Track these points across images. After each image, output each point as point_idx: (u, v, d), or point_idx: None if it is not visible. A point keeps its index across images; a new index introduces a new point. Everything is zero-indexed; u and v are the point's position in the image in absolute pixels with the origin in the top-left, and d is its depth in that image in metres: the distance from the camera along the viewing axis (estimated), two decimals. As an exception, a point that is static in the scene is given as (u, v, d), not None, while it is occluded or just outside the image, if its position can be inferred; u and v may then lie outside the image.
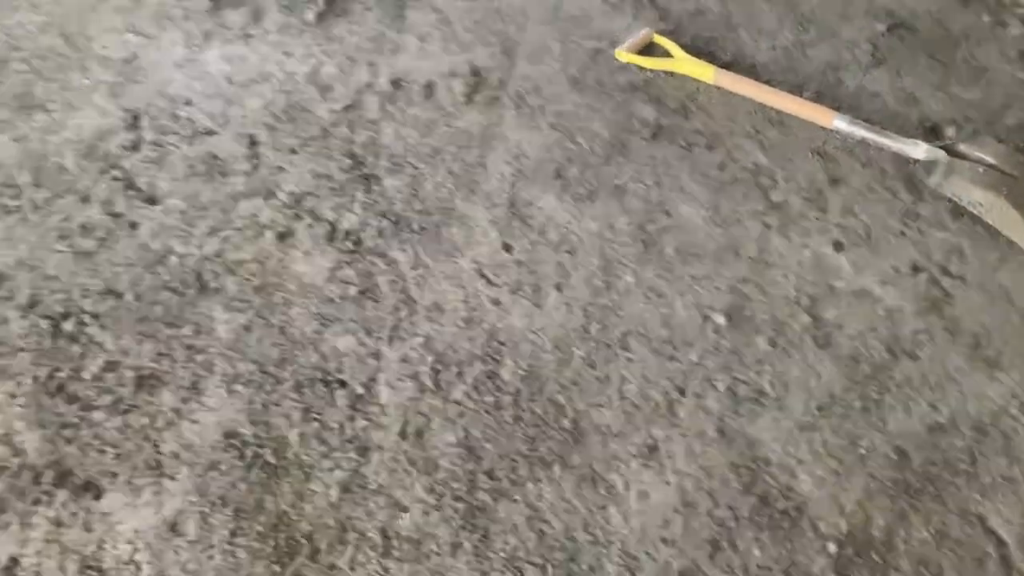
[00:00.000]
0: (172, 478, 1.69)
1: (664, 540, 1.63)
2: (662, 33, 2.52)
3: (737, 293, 1.96)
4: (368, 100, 2.38)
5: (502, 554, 1.61)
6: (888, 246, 2.05)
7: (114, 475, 1.69)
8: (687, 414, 1.78)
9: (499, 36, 2.56)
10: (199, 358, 1.84)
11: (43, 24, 2.63)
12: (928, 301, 1.96)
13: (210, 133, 2.30)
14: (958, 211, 2.11)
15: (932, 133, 2.28)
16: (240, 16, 2.65)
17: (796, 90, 2.35)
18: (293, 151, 2.25)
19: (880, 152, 2.22)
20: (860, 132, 2.18)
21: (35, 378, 1.80)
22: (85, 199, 2.14)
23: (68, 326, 1.89)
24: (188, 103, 2.38)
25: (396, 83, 2.43)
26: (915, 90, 2.38)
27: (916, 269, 2.02)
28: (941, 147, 2.15)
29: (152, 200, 2.14)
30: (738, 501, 1.67)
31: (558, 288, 1.95)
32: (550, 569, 1.59)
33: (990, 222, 2.06)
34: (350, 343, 1.87)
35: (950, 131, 2.27)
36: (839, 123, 2.19)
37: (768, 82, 2.35)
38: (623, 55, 2.44)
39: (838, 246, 2.05)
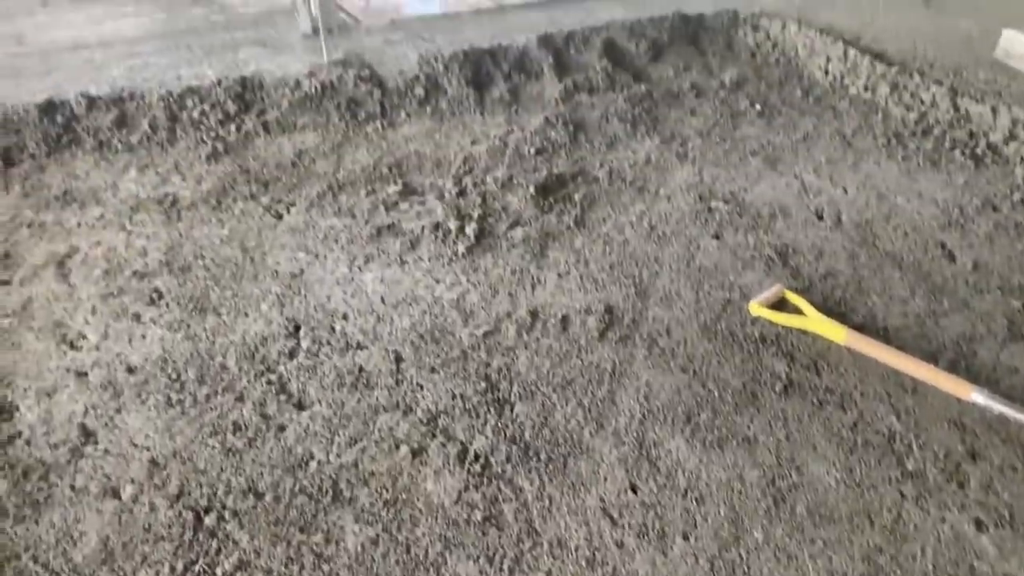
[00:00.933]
0: None
1: None
2: (793, 290, 2.61)
3: (872, 564, 1.88)
4: (507, 328, 2.53)
5: None
6: (1035, 530, 1.95)
7: None
8: None
9: (633, 279, 2.71)
10: (326, 567, 1.88)
11: (226, 237, 2.97)
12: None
13: (360, 347, 2.47)
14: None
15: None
16: (398, 243, 2.91)
17: (930, 358, 2.36)
18: (433, 370, 2.39)
19: (1021, 429, 2.17)
20: (999, 407, 2.15)
21: (172, 568, 1.87)
22: (240, 399, 2.30)
23: (209, 520, 1.98)
24: (344, 317, 2.59)
25: (534, 314, 2.58)
26: (1056, 368, 2.35)
27: (1068, 559, 1.90)
28: (1089, 430, 2.09)
29: (301, 405, 2.28)
30: None
31: (684, 536, 1.93)
32: None
33: None
34: (471, 570, 1.88)
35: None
36: (977, 397, 2.17)
37: (901, 348, 2.38)
38: (756, 309, 2.53)
39: (979, 525, 1.97)
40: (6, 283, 2.77)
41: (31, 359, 2.46)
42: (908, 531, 1.95)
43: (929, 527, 1.96)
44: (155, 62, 4.00)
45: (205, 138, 3.51)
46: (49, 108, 3.53)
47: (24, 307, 2.66)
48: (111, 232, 3.00)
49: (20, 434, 2.21)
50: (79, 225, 3.04)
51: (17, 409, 2.29)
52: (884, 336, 2.45)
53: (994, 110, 3.41)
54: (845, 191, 3.14)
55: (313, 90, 3.69)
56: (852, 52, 3.87)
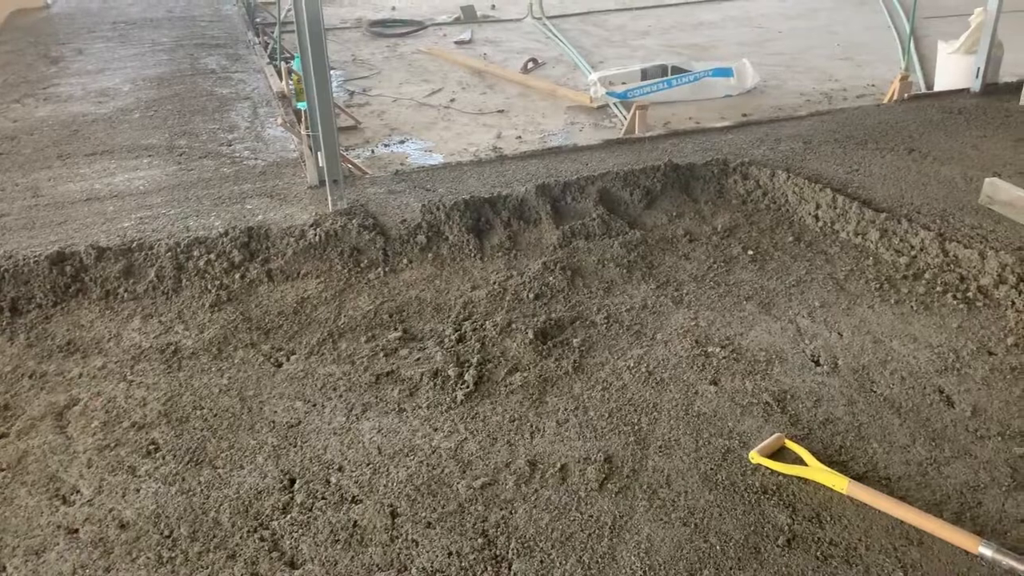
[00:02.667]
0: None
1: None
2: (792, 439, 2.60)
3: None
4: (505, 479, 2.50)
5: None
6: None
7: None
8: None
9: (632, 427, 2.71)
10: None
11: (225, 387, 2.98)
12: None
13: (356, 501, 2.44)
14: None
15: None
16: (397, 391, 2.93)
17: (934, 508, 2.32)
18: (430, 525, 2.34)
19: (1035, 584, 2.10)
20: (1008, 562, 2.10)
21: None
22: (232, 556, 2.26)
23: None
24: (340, 469, 2.57)
25: (533, 464, 2.55)
26: (1065, 518, 2.31)
27: None
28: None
29: (293, 564, 2.23)
30: None
31: None
32: None
33: None
34: None
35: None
36: (985, 551, 2.12)
37: (903, 498, 2.34)
38: (756, 458, 2.51)
39: None
40: (3, 436, 2.76)
41: (22, 515, 2.42)
42: None
43: None
44: (165, 213, 4.13)
45: (210, 287, 3.59)
46: (59, 259, 3.62)
47: (19, 461, 2.64)
48: (112, 382, 3.02)
49: (4, 596, 2.16)
50: (80, 375, 3.06)
51: (3, 569, 2.24)
52: (886, 485, 2.42)
53: (982, 255, 3.48)
54: (840, 335, 3.17)
55: (317, 239, 3.79)
56: (840, 199, 4.00)
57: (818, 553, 2.22)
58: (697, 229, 4.05)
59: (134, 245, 3.75)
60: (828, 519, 2.32)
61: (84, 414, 2.85)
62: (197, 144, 5.14)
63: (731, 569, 2.18)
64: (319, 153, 4.36)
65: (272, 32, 8.33)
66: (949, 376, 2.92)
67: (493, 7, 10.34)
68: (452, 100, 6.90)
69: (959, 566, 2.16)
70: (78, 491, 2.51)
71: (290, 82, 6.20)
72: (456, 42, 8.78)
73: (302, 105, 6.11)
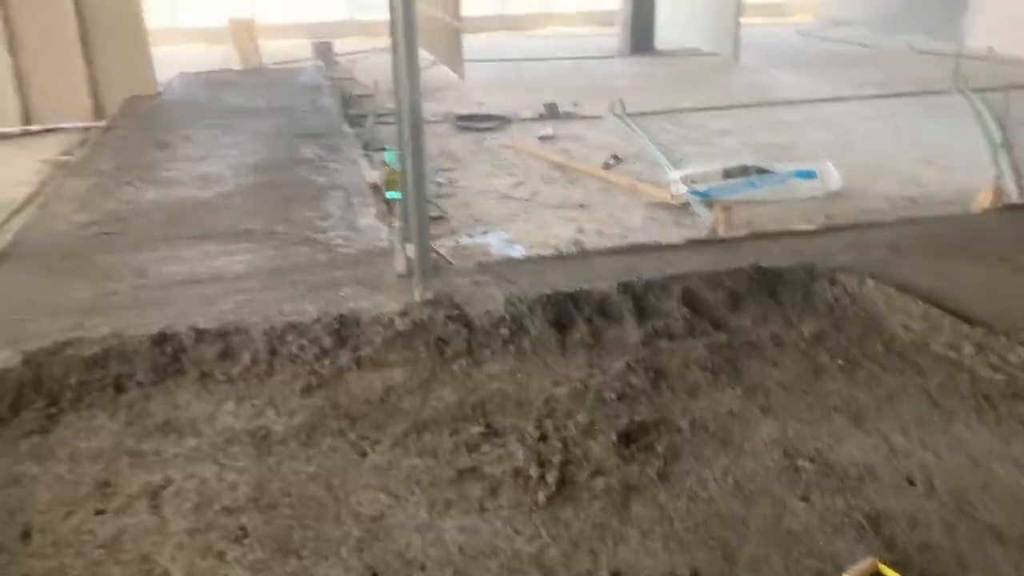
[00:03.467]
0: None
1: None
2: (888, 564, 2.50)
3: None
4: (588, 590, 2.46)
5: None
6: None
7: None
8: None
9: (719, 541, 2.65)
10: None
11: (313, 474, 3.04)
12: None
13: (437, 602, 2.43)
14: None
15: None
16: (479, 489, 2.93)
17: (1046, 651, 2.19)
18: (511, 633, 2.32)
19: None
20: None
21: None
22: (315, 651, 2.26)
23: None
24: (422, 568, 2.57)
25: (616, 575, 2.51)
26: None
27: None
28: None
29: (374, 663, 2.23)
30: None
31: None
32: None
33: None
34: None
35: None
36: None
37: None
38: (848, 582, 2.43)
39: None
40: (102, 512, 2.86)
41: (115, 595, 2.49)
42: None
43: None
44: (261, 297, 4.30)
45: (300, 372, 3.69)
46: (161, 340, 3.79)
47: (115, 538, 2.73)
48: (205, 465, 3.11)
49: (95, 677, 2.20)
50: (175, 456, 3.16)
51: (95, 649, 2.30)
52: (992, 622, 2.30)
53: (1087, 375, 3.35)
54: (936, 455, 3.07)
55: (405, 328, 3.89)
56: (932, 311, 3.92)
57: None
58: (783, 334, 4.00)
59: (231, 328, 3.90)
60: (930, 656, 2.21)
61: (178, 495, 2.94)
62: (294, 231, 5.37)
63: None
64: (407, 244, 4.51)
65: (367, 124, 8.72)
66: (1057, 505, 2.78)
67: (575, 104, 10.62)
68: (535, 193, 7.06)
69: None
70: (168, 574, 2.57)
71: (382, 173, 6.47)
72: (539, 137, 9.01)
73: (392, 195, 6.36)
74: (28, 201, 6.84)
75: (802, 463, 3.03)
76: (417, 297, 4.19)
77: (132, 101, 9.87)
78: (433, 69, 12.77)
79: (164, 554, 2.65)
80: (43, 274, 4.72)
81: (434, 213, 6.49)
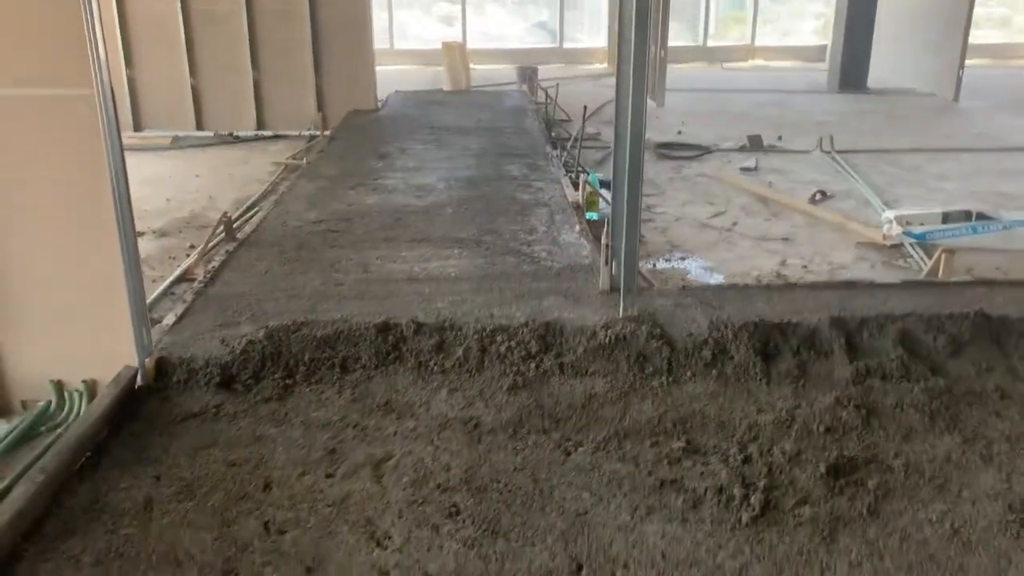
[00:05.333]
0: None
1: None
2: None
3: None
4: (792, 612, 2.44)
5: None
6: None
7: None
8: None
9: (935, 586, 2.54)
10: None
11: (519, 465, 3.19)
12: None
13: (639, 600, 2.49)
14: None
15: None
16: (680, 500, 2.97)
17: None
18: (713, 641, 2.34)
19: None
20: None
21: None
22: (523, 627, 2.39)
23: None
24: (625, 566, 2.65)
25: (822, 604, 2.47)
26: None
27: None
28: None
29: (579, 647, 2.32)
30: None
31: None
32: None
33: None
34: None
35: None
36: None
37: None
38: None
39: None
40: (331, 476, 3.14)
41: (344, 549, 2.73)
42: None
43: None
44: (471, 299, 4.55)
45: (508, 371, 3.88)
46: (384, 328, 4.10)
47: (343, 500, 2.99)
48: (421, 444, 3.34)
49: (328, 618, 2.43)
50: (395, 434, 3.42)
51: (327, 593, 2.53)
52: None
53: None
54: None
55: (607, 340, 3.99)
56: None
57: None
58: (1009, 387, 3.76)
59: (446, 324, 4.15)
60: None
61: (397, 469, 3.18)
62: (500, 242, 5.62)
63: None
64: (614, 262, 4.62)
65: (569, 146, 8.96)
66: None
67: (780, 138, 10.40)
68: (735, 224, 6.99)
69: None
70: (389, 537, 2.79)
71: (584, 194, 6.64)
72: (741, 168, 8.90)
73: (592, 215, 6.51)
74: (263, 197, 7.58)
75: (1030, 519, 2.85)
76: (620, 313, 4.28)
77: (353, 114, 10.66)
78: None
79: (385, 520, 2.88)
80: (279, 262, 5.22)
81: (633, 235, 6.58)
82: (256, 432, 3.43)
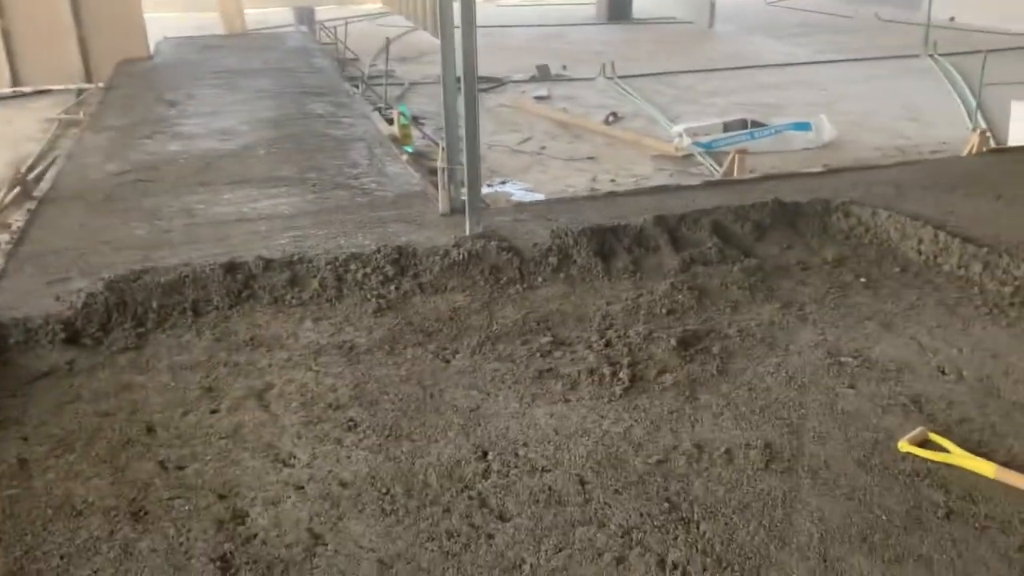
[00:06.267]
0: None
1: None
2: (936, 432, 2.86)
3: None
4: (676, 458, 2.78)
5: None
6: None
7: None
8: None
9: (783, 421, 2.98)
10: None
11: (404, 377, 3.31)
12: None
13: (546, 470, 2.73)
14: None
15: None
16: (559, 385, 3.23)
17: (1080, 491, 2.56)
18: (617, 492, 2.63)
19: None
20: None
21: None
22: (447, 511, 2.55)
23: (442, 611, 2.18)
24: (525, 445, 2.87)
25: (699, 447, 2.83)
26: None
27: None
28: None
29: (503, 517, 2.52)
30: None
31: (885, 638, 2.09)
32: None
33: None
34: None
35: None
36: None
37: (1050, 482, 2.59)
38: (904, 447, 2.78)
39: None
40: (216, 411, 3.10)
41: (251, 474, 2.74)
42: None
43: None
44: (314, 233, 4.53)
45: (369, 296, 3.94)
46: (231, 268, 4.00)
47: (235, 431, 2.97)
48: (300, 371, 3.36)
49: (256, 535, 2.46)
50: (270, 365, 3.41)
51: (247, 515, 2.55)
52: (1031, 472, 2.67)
53: (1085, 284, 3.75)
54: (960, 351, 3.44)
55: (461, 257, 4.15)
56: (943, 235, 4.30)
57: (975, 524, 2.46)
58: (808, 259, 4.35)
59: (295, 258, 4.13)
60: (980, 498, 2.57)
61: (282, 396, 3.19)
62: (326, 177, 5.57)
63: (899, 535, 2.43)
64: (452, 184, 4.77)
65: (366, 84, 8.88)
66: (1070, 386, 3.17)
67: (564, 67, 10.89)
68: (543, 148, 7.34)
69: (1109, 537, 2.39)
70: (295, 457, 2.83)
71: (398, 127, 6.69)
72: (535, 97, 9.28)
73: (407, 148, 6.58)
74: (46, 154, 6.93)
75: (845, 359, 3.38)
76: (467, 231, 4.44)
77: (125, 64, 9.88)
78: (413, 35, 12.90)
79: (285, 442, 2.91)
80: (92, 215, 4.88)
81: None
82: (121, 381, 3.28)
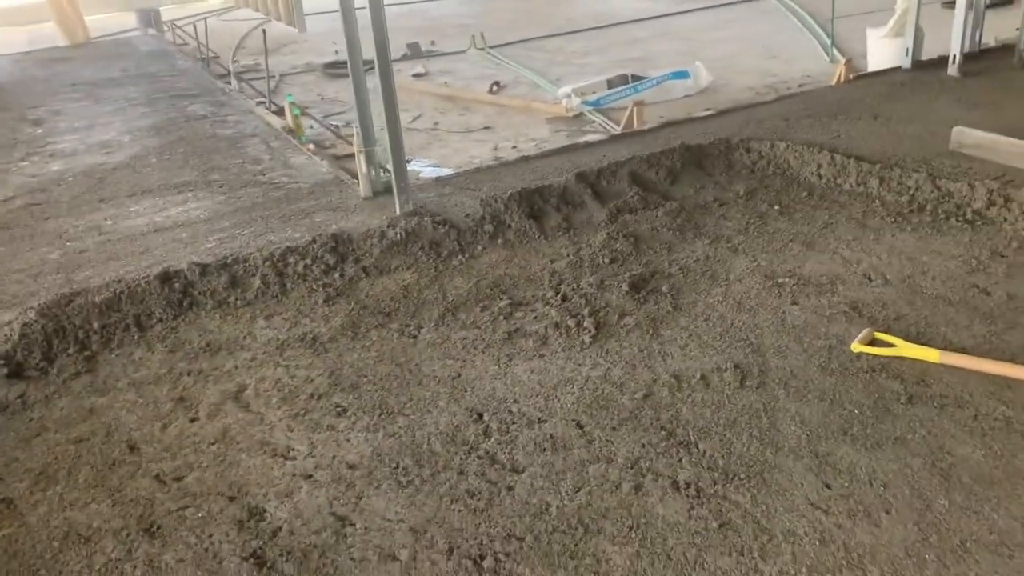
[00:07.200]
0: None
1: None
2: (879, 331, 3.15)
3: (1038, 509, 2.32)
4: (659, 391, 2.96)
5: None
6: None
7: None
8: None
9: (744, 342, 3.21)
10: (607, 581, 2.18)
11: (377, 358, 3.34)
12: None
13: (542, 421, 2.85)
14: None
15: None
16: (530, 342, 3.35)
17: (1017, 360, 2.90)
18: (614, 429, 2.78)
19: (1103, 400, 2.69)
20: (1083, 384, 2.68)
21: (479, 601, 2.14)
22: (461, 472, 2.63)
23: (488, 563, 2.27)
24: (515, 401, 2.97)
25: (676, 377, 3.02)
26: (1106, 357, 2.92)
27: None
28: None
29: (516, 469, 2.62)
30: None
31: (887, 511, 2.34)
32: None
33: None
34: (729, 563, 2.22)
35: None
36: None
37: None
38: (857, 347, 3.05)
39: (1105, 470, 2.44)
40: (195, 419, 3.04)
41: (255, 472, 2.73)
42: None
43: (1069, 477, 2.42)
44: (240, 233, 4.43)
45: (315, 286, 3.92)
46: (166, 277, 3.89)
47: (224, 435, 2.94)
48: (270, 368, 3.32)
49: (280, 528, 2.47)
50: (236, 367, 3.36)
51: (264, 511, 2.55)
52: (967, 352, 2.99)
53: (970, 185, 4.17)
54: (879, 259, 3.77)
55: (398, 237, 4.18)
56: (839, 157, 4.65)
57: (935, 404, 2.76)
58: (722, 195, 4.62)
59: (230, 260, 4.04)
60: (932, 381, 2.87)
61: (259, 394, 3.16)
62: (230, 177, 5.43)
63: (873, 423, 2.69)
64: (371, 167, 4.76)
65: (236, 80, 8.59)
66: (978, 275, 3.55)
67: (433, 43, 10.87)
68: (436, 124, 7.35)
69: (1044, 395, 2.74)
70: (294, 449, 2.83)
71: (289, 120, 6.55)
72: (413, 75, 9.23)
73: (303, 139, 6.46)
74: (-92, 192, 6.39)
75: (782, 280, 3.65)
76: (398, 211, 4.46)
77: (-35, 86, 9.17)
78: (268, 26, 12.51)
79: (278, 437, 2.90)
80: (-11, 247, 4.59)
81: (349, 151, 6.67)
82: (84, 406, 3.16)
